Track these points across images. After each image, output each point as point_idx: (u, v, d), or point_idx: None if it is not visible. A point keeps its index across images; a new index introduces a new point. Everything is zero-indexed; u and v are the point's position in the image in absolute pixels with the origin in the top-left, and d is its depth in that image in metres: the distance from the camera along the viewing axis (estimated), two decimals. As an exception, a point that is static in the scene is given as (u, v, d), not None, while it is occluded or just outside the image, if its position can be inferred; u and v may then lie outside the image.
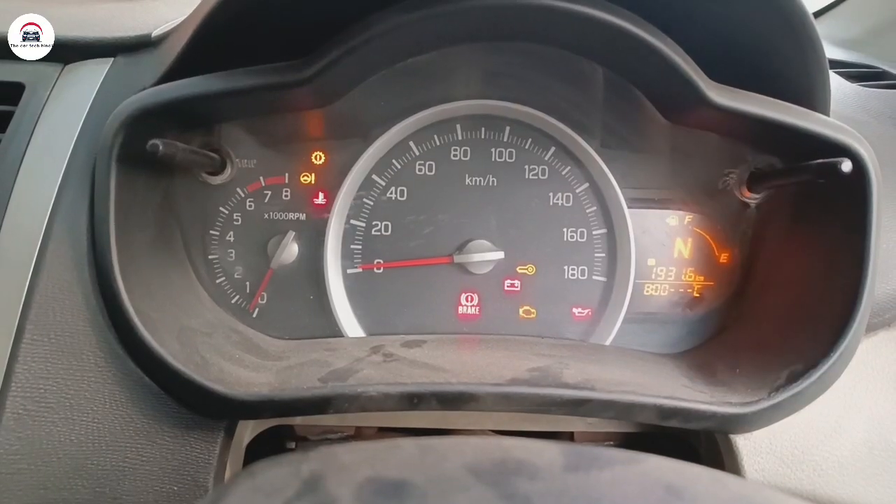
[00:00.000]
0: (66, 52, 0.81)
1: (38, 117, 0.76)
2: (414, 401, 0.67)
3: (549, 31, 0.77)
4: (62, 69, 0.80)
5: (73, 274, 0.70)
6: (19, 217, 0.71)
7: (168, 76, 0.73)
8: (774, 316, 0.81)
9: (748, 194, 0.85)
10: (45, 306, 0.68)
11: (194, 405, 0.69)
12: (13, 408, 0.65)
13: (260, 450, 0.79)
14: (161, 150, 0.66)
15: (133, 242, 0.72)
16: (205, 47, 0.72)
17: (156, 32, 0.82)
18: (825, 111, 0.76)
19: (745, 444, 0.73)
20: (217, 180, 0.85)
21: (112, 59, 0.81)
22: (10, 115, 0.76)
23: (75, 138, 0.74)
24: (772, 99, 0.73)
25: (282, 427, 0.84)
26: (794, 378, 0.71)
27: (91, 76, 0.79)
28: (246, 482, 0.37)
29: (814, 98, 0.75)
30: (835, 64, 0.91)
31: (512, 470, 0.37)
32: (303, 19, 0.71)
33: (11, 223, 0.71)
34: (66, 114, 0.76)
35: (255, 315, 0.88)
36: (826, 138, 0.71)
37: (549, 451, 0.38)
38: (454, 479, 0.35)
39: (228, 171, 0.85)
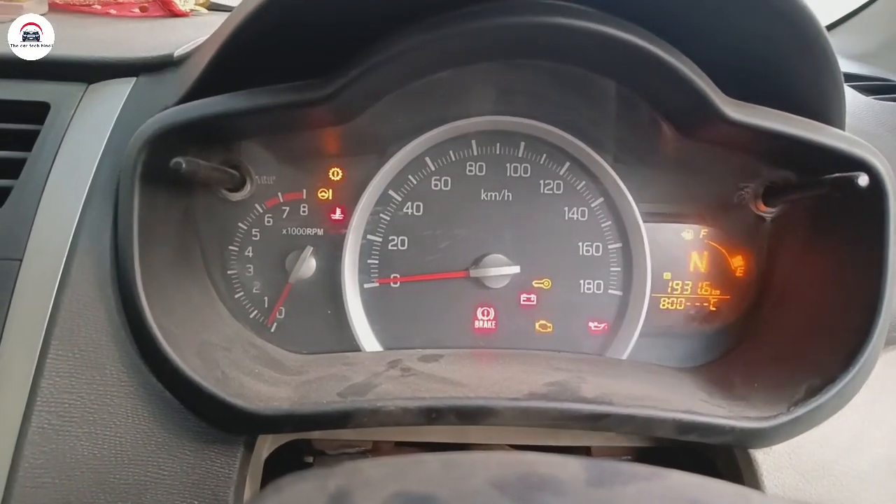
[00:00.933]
0: (90, 72, 0.83)
1: (63, 136, 0.77)
2: (432, 415, 0.67)
3: (566, 49, 0.77)
4: (86, 89, 0.82)
5: (96, 290, 0.71)
6: (45, 234, 0.72)
7: (190, 95, 0.74)
8: (792, 330, 0.81)
9: (763, 208, 0.86)
10: (70, 322, 0.69)
11: (215, 420, 0.69)
12: (38, 422, 0.66)
13: (276, 463, 0.79)
14: (184, 168, 0.67)
15: (155, 259, 0.73)
16: (226, 67, 0.73)
17: (178, 52, 0.83)
18: (840, 125, 0.76)
19: (765, 459, 0.72)
20: (236, 197, 0.86)
21: (135, 78, 0.82)
22: (35, 133, 0.78)
23: (99, 156, 0.76)
24: (787, 114, 0.73)
25: (299, 441, 0.84)
26: (812, 392, 0.71)
27: (114, 95, 0.81)
28: (273, 498, 0.38)
29: (829, 112, 0.75)
30: (849, 77, 0.91)
31: (536, 485, 0.37)
32: (321, 39, 0.72)
33: (37, 240, 0.72)
34: (91, 132, 0.77)
35: (273, 329, 0.89)
36: (842, 152, 0.71)
37: (572, 466, 0.39)
38: (479, 493, 0.36)
39: (248, 187, 0.86)
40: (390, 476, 0.37)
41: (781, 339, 0.82)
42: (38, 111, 0.79)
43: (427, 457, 0.40)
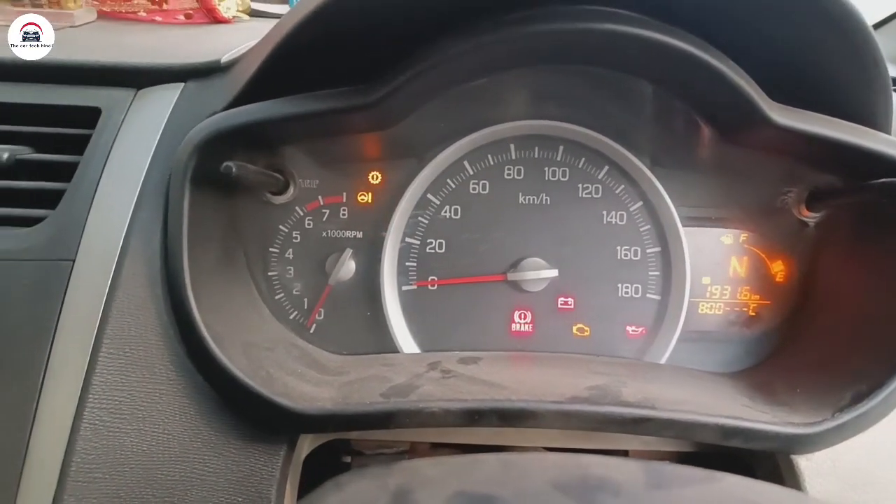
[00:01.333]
0: (139, 78, 0.85)
1: (114, 140, 0.79)
2: (475, 417, 0.68)
3: (612, 54, 0.78)
4: (135, 94, 0.84)
5: (146, 291, 0.72)
6: (97, 235, 0.74)
7: (238, 100, 0.76)
8: (835, 335, 0.80)
9: (807, 213, 0.85)
10: (121, 321, 0.71)
11: (261, 419, 0.70)
12: (90, 418, 0.68)
13: (311, 463, 0.80)
14: (234, 172, 0.68)
15: (202, 260, 0.75)
16: (273, 73, 0.74)
17: (224, 58, 0.85)
18: (887, 130, 0.75)
19: (808, 466, 0.71)
20: (280, 200, 0.87)
21: (183, 84, 0.84)
22: (87, 137, 0.80)
23: (149, 160, 0.77)
24: (833, 118, 0.73)
25: (336, 441, 0.85)
26: (858, 399, 0.70)
27: (163, 101, 0.83)
28: (334, 494, 0.39)
29: (876, 117, 0.74)
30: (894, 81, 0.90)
31: (595, 486, 0.37)
32: (368, 45, 0.73)
33: (89, 241, 0.74)
34: (141, 137, 0.79)
35: (312, 331, 0.90)
36: (889, 158, 0.71)
37: (629, 468, 0.39)
38: (541, 494, 0.36)
39: (291, 191, 0.87)
40: (450, 476, 0.38)
41: (825, 345, 0.81)
42: (89, 116, 0.82)
43: (484, 457, 0.40)
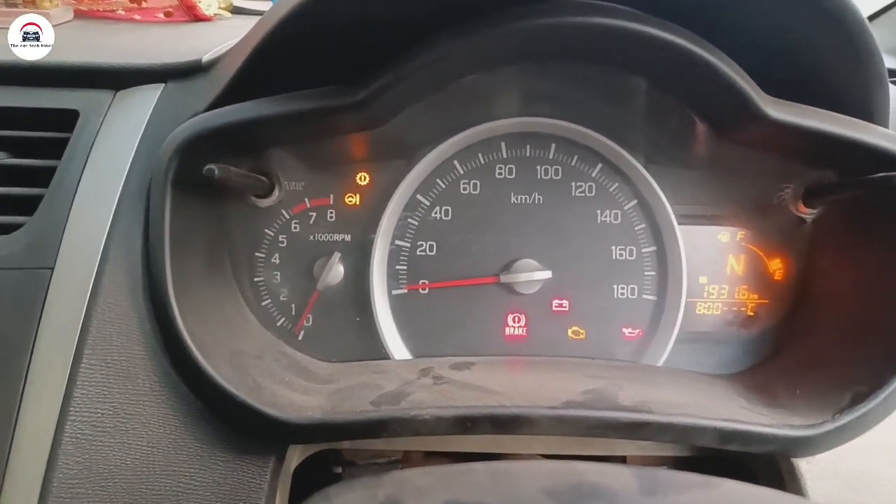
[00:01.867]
0: (118, 79, 0.83)
1: (93, 143, 0.77)
2: (467, 424, 0.66)
3: (604, 49, 0.76)
4: (114, 96, 0.82)
5: (128, 298, 0.70)
6: (76, 242, 0.72)
7: (219, 101, 0.74)
8: (834, 335, 0.79)
9: (804, 209, 0.84)
10: (102, 331, 0.69)
11: (248, 429, 0.68)
12: (72, 432, 0.65)
13: (303, 474, 0.78)
14: (217, 175, 0.66)
15: (186, 266, 0.73)
16: (256, 72, 0.73)
17: (206, 58, 0.83)
18: (884, 123, 0.74)
19: (809, 468, 0.70)
20: (265, 203, 0.85)
21: (163, 84, 0.82)
22: (65, 141, 0.78)
23: (129, 163, 0.75)
24: (829, 112, 0.72)
25: (328, 451, 0.83)
26: (859, 399, 0.68)
27: (143, 102, 0.81)
28: (319, 508, 0.37)
29: (872, 110, 0.73)
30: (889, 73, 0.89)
31: (588, 493, 0.36)
32: (352, 44, 0.71)
33: (68, 248, 0.71)
34: (120, 139, 0.77)
35: (300, 337, 0.88)
36: (887, 152, 0.70)
37: (623, 475, 0.38)
38: (532, 502, 0.34)
39: (276, 193, 0.85)
40: (440, 485, 0.36)
41: (824, 344, 0.80)
42: (67, 119, 0.79)
43: (475, 465, 0.39)
